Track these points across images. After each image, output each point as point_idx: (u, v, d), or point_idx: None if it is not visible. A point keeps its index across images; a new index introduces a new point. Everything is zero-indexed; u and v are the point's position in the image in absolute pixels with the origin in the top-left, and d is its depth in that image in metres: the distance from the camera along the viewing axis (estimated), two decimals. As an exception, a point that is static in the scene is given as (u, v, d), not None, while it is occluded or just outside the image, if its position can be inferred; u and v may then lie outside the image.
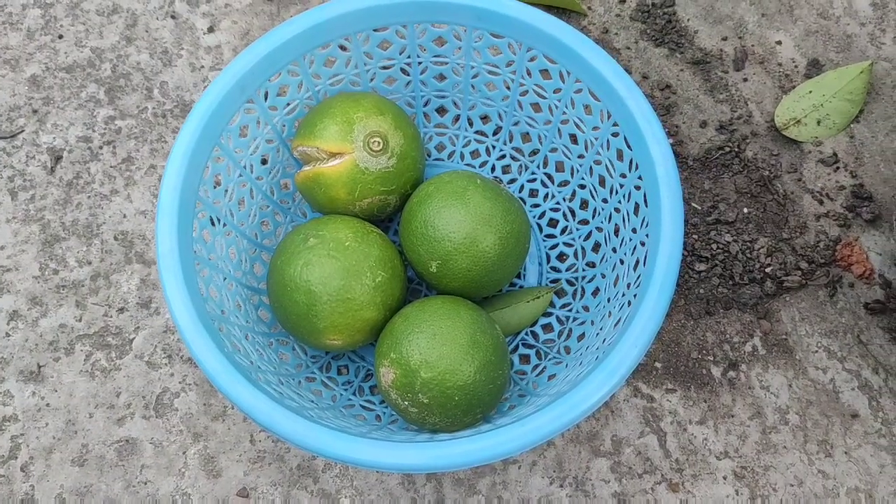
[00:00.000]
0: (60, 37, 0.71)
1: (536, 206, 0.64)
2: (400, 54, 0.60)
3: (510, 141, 0.65)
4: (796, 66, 0.71)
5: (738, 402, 0.60)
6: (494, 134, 0.66)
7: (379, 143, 0.56)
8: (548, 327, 0.61)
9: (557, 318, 0.60)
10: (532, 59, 0.57)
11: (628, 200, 0.55)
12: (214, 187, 0.54)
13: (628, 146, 0.53)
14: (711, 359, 0.61)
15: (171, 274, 0.48)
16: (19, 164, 0.67)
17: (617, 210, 0.57)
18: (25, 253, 0.64)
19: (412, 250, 0.55)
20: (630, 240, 0.54)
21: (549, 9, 0.72)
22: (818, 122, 0.68)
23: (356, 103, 0.57)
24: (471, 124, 0.66)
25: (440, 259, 0.54)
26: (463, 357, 0.50)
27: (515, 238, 0.55)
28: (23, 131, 0.68)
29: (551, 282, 0.62)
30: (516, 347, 0.60)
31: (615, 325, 0.51)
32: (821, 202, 0.66)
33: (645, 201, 0.52)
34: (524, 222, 0.56)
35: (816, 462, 0.58)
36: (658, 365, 0.61)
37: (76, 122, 0.68)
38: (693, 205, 0.65)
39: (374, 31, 0.57)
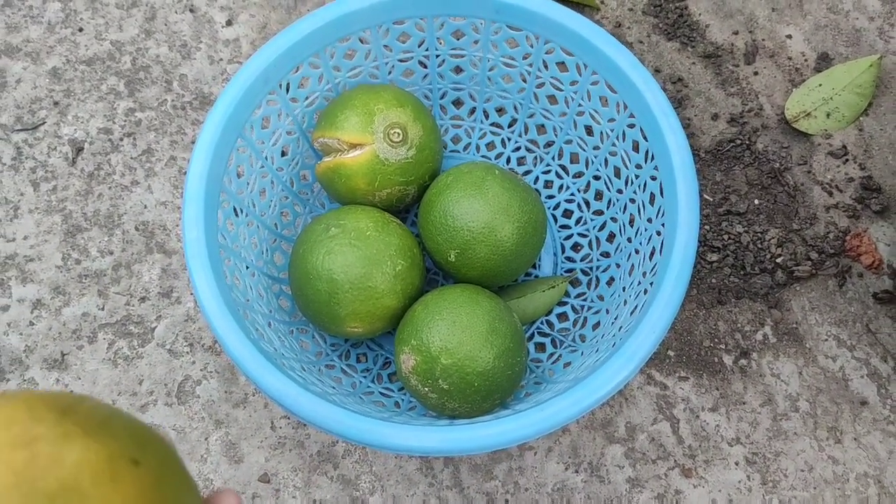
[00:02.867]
0: (80, 30, 0.72)
1: (551, 197, 0.65)
2: (419, 47, 0.61)
3: (525, 133, 0.66)
4: (806, 60, 0.72)
5: (749, 389, 0.61)
6: (510, 126, 0.67)
7: (399, 134, 0.57)
8: (563, 316, 0.62)
9: (572, 307, 0.61)
10: (549, 52, 0.58)
11: (644, 191, 0.56)
12: (238, 177, 0.55)
13: (644, 137, 0.54)
14: (723, 347, 0.62)
15: (199, 261, 0.49)
16: (41, 155, 0.68)
17: (632, 200, 0.58)
18: (48, 243, 0.65)
19: (431, 240, 0.56)
20: (645, 230, 0.55)
21: (562, 3, 0.73)
22: (828, 115, 0.69)
23: (376, 95, 0.58)
24: (486, 116, 0.67)
25: (459, 248, 0.55)
26: (482, 344, 0.51)
27: (533, 228, 0.56)
28: (44, 123, 0.69)
29: (566, 271, 0.63)
30: (532, 336, 0.61)
31: (631, 313, 0.52)
32: (830, 194, 0.67)
33: (661, 191, 0.53)
34: (541, 212, 0.57)
35: (826, 448, 0.59)
36: (671, 353, 0.62)
37: (97, 114, 0.69)
38: (705, 196, 0.66)
39: (394, 23, 0.58)
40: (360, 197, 0.58)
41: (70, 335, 0.62)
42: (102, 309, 0.63)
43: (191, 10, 0.74)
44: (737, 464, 0.59)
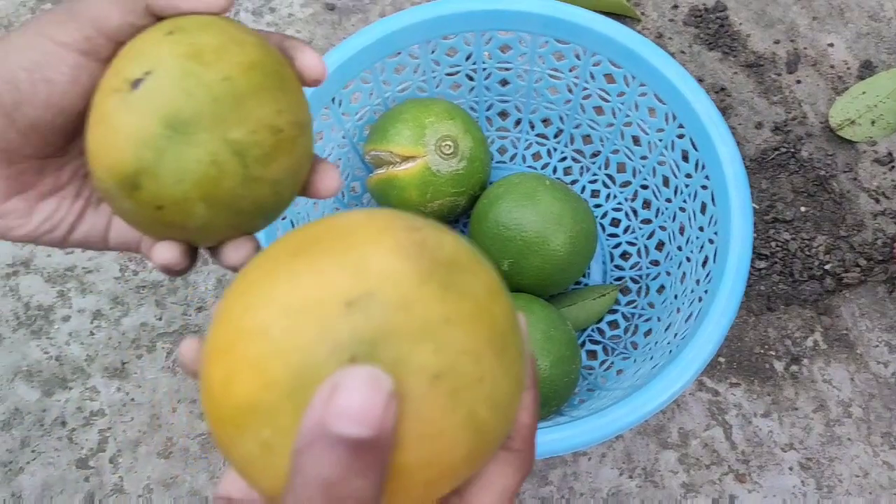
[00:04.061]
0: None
1: (598, 206, 0.66)
2: (466, 60, 0.63)
3: (571, 143, 0.67)
4: (849, 68, 0.72)
5: (801, 395, 0.61)
6: (556, 137, 0.68)
7: (450, 146, 0.58)
8: (613, 324, 0.62)
9: (623, 314, 0.62)
10: (596, 64, 0.59)
11: (694, 200, 0.56)
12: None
13: (694, 147, 0.55)
14: (774, 353, 0.62)
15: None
16: (97, 170, 0.69)
17: (682, 209, 0.58)
18: (105, 255, 0.66)
19: (483, 249, 0.57)
20: (697, 238, 0.56)
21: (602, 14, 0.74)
22: (872, 123, 0.69)
23: (427, 108, 0.59)
24: (532, 127, 0.68)
25: (512, 258, 0.56)
26: (538, 352, 0.52)
27: (584, 237, 0.57)
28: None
29: (615, 280, 0.64)
30: (583, 344, 0.62)
31: (686, 320, 0.53)
32: (877, 200, 0.67)
33: (713, 200, 0.54)
34: (591, 221, 0.58)
35: (881, 454, 0.59)
36: (722, 360, 0.62)
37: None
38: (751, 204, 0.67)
39: (443, 39, 0.60)
40: (412, 208, 0.60)
41: (129, 344, 0.63)
42: (160, 319, 0.64)
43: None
44: (791, 469, 0.59)
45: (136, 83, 0.28)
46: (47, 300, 0.65)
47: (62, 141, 0.32)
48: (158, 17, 0.30)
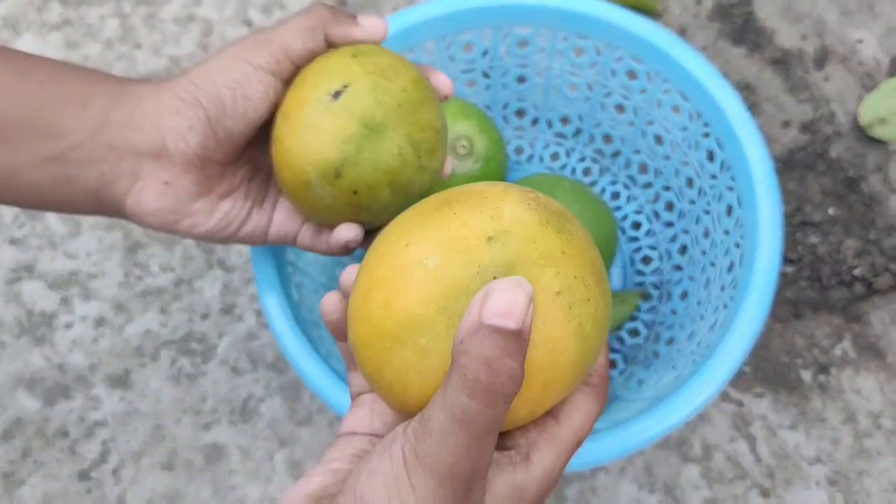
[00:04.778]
0: (138, 46, 0.72)
1: (618, 208, 0.64)
2: (482, 57, 0.60)
3: (591, 143, 0.65)
4: (879, 64, 0.70)
5: (829, 406, 0.59)
6: (575, 136, 0.66)
7: (466, 146, 0.56)
8: (634, 332, 0.60)
9: (644, 322, 0.60)
10: (618, 61, 0.56)
11: (719, 202, 0.54)
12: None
13: (720, 147, 0.52)
14: (801, 362, 0.60)
15: (266, 276, 0.48)
16: (101, 171, 0.67)
17: (707, 212, 0.56)
18: (110, 260, 0.65)
19: None
20: (721, 242, 0.53)
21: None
22: (904, 121, 0.66)
23: None
24: (550, 126, 0.66)
25: None
26: None
27: (605, 241, 0.54)
28: (104, 139, 0.69)
29: (636, 285, 0.62)
30: (601, 352, 0.59)
31: (710, 328, 0.50)
32: (909, 202, 0.64)
33: (739, 202, 0.51)
34: (612, 224, 0.56)
35: (914, 468, 0.57)
36: (746, 369, 0.60)
37: (156, 129, 0.69)
38: (777, 206, 0.64)
39: (460, 35, 0.57)
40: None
41: (133, 352, 0.62)
42: (165, 326, 0.62)
43: (247, 25, 0.73)
44: (818, 483, 0.57)
45: (336, 94, 0.36)
46: (50, 307, 0.63)
47: (243, 149, 0.39)
48: (331, 45, 0.39)
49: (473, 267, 0.26)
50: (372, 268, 0.28)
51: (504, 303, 0.23)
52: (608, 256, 0.55)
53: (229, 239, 0.41)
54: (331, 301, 0.32)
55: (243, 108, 0.37)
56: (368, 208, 0.38)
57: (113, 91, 0.37)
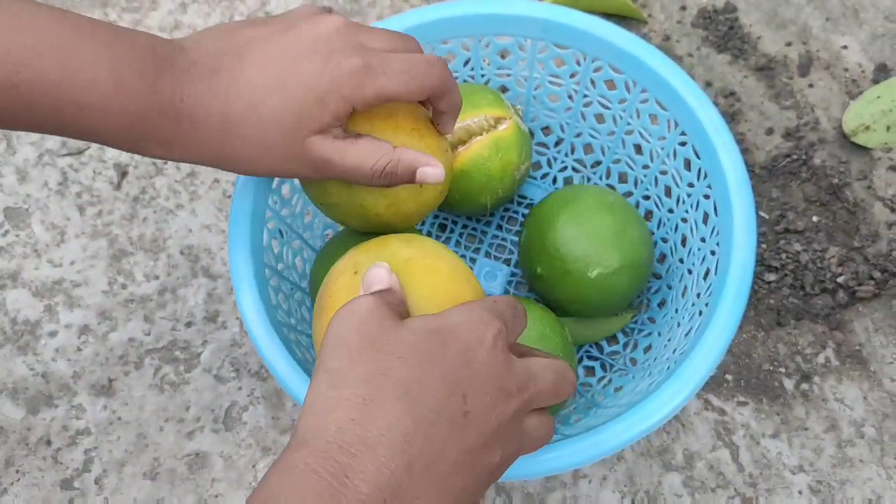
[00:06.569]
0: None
1: (600, 216, 0.64)
2: (464, 66, 0.60)
3: (572, 152, 0.65)
4: (863, 71, 0.70)
5: (811, 414, 0.59)
6: (556, 145, 0.66)
7: (521, 108, 0.59)
8: (612, 339, 0.60)
9: (623, 330, 0.60)
10: (597, 70, 0.57)
11: (696, 209, 0.54)
12: (283, 198, 0.54)
13: (697, 155, 0.52)
14: (783, 371, 0.60)
15: (244, 279, 0.48)
16: (87, 179, 0.68)
17: (684, 220, 0.56)
18: (94, 268, 0.65)
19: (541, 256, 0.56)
20: (699, 249, 0.53)
21: (608, 17, 0.72)
22: (888, 128, 0.66)
23: (469, 88, 0.59)
24: (532, 136, 0.66)
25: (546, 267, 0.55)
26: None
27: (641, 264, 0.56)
28: (89, 147, 0.69)
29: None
30: (581, 359, 0.60)
31: (686, 335, 0.50)
32: (892, 210, 0.64)
33: (715, 210, 0.51)
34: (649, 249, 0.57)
35: (895, 476, 0.56)
36: (729, 377, 0.60)
37: (142, 139, 0.69)
38: (761, 213, 0.64)
39: (440, 43, 0.58)
40: (511, 172, 0.57)
41: (117, 361, 0.62)
42: (149, 334, 0.63)
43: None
44: (800, 493, 0.56)
45: None
46: (34, 315, 0.63)
47: None
48: None
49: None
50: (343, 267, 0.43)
51: (376, 275, 0.37)
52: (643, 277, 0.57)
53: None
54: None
55: None
56: None
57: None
